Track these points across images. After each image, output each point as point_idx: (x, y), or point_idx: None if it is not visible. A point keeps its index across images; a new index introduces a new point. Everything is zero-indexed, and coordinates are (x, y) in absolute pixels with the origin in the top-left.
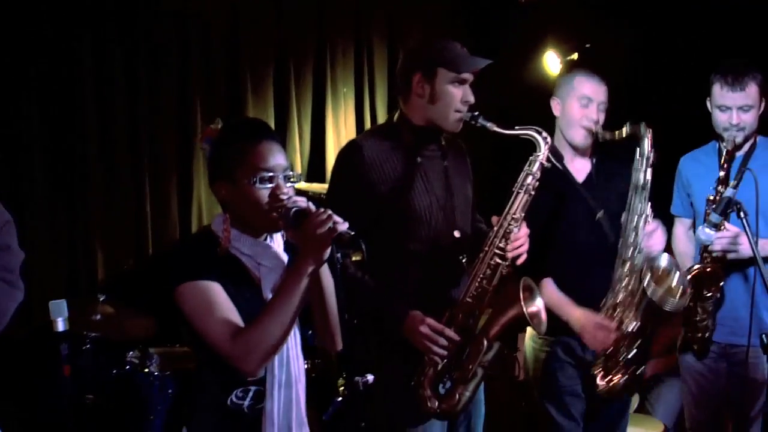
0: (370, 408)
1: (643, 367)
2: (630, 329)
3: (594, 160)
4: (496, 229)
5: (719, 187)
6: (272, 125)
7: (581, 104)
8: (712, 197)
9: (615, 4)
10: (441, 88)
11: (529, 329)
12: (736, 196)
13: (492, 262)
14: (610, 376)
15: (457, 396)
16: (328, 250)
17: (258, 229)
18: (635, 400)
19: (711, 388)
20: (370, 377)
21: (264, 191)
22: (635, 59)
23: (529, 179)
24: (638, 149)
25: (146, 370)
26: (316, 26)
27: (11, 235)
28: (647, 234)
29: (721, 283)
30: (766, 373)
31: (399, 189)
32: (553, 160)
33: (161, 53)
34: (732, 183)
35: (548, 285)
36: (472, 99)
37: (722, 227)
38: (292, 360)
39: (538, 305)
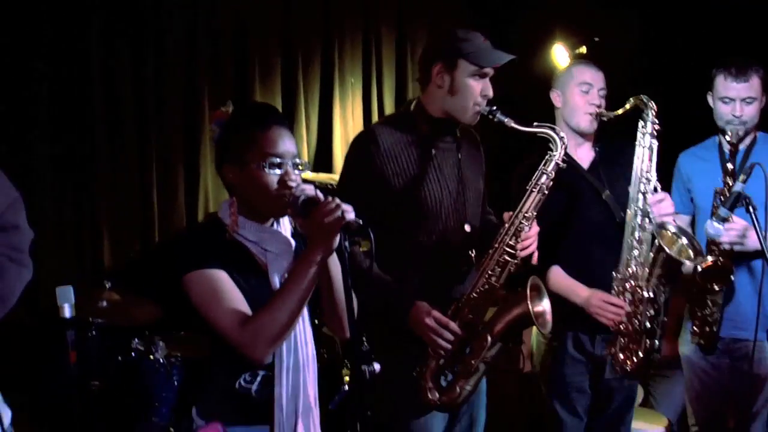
0: (375, 397)
1: (658, 342)
2: (643, 298)
3: (597, 148)
4: (507, 226)
5: (728, 179)
6: None
7: (582, 90)
8: (719, 189)
9: None
10: (461, 80)
11: None
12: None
13: (501, 260)
14: (626, 354)
15: (458, 389)
16: (337, 239)
17: (264, 214)
18: (640, 395)
19: (714, 384)
20: (377, 366)
21: (273, 176)
22: (643, 52)
23: (544, 178)
24: (641, 120)
25: (152, 356)
26: (324, 16)
27: (20, 213)
28: (656, 201)
29: (732, 276)
30: None
31: (412, 180)
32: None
33: (169, 41)
34: (741, 177)
35: (556, 271)
36: (491, 93)
37: (730, 220)
38: (300, 346)
39: (544, 306)
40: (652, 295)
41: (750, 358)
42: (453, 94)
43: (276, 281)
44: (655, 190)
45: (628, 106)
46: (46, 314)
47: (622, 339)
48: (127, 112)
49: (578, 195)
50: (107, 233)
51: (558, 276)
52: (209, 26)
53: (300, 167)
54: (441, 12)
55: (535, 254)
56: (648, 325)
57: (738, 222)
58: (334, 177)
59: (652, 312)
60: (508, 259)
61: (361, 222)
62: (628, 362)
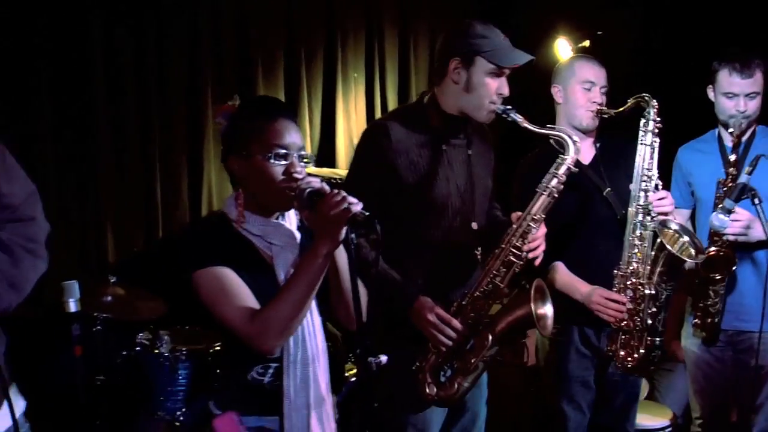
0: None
1: (660, 339)
2: (644, 295)
3: (598, 144)
4: (515, 227)
5: (731, 170)
6: None
7: (584, 88)
8: (722, 180)
9: None
10: (478, 78)
11: None
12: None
13: (507, 260)
14: (628, 350)
15: (456, 386)
16: (344, 231)
17: (269, 206)
18: (645, 388)
19: (717, 377)
20: (383, 357)
21: (278, 168)
22: (646, 47)
23: (554, 182)
24: (642, 118)
25: (156, 351)
26: (327, 11)
27: (36, 205)
28: (657, 199)
29: (734, 267)
30: None
31: (421, 175)
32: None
33: (172, 36)
34: (747, 169)
35: (559, 268)
36: (507, 91)
37: (734, 212)
38: (308, 339)
39: (547, 309)
40: (653, 292)
41: (755, 350)
42: (468, 91)
43: (282, 275)
44: (656, 188)
45: (629, 103)
46: (51, 309)
47: (623, 336)
48: (130, 108)
49: (579, 192)
50: (111, 228)
51: (560, 272)
52: (212, 21)
53: (306, 160)
54: (444, 6)
55: (540, 257)
56: (650, 322)
57: (742, 213)
58: (337, 172)
59: (653, 309)
60: (514, 260)
61: (367, 214)
62: (630, 359)
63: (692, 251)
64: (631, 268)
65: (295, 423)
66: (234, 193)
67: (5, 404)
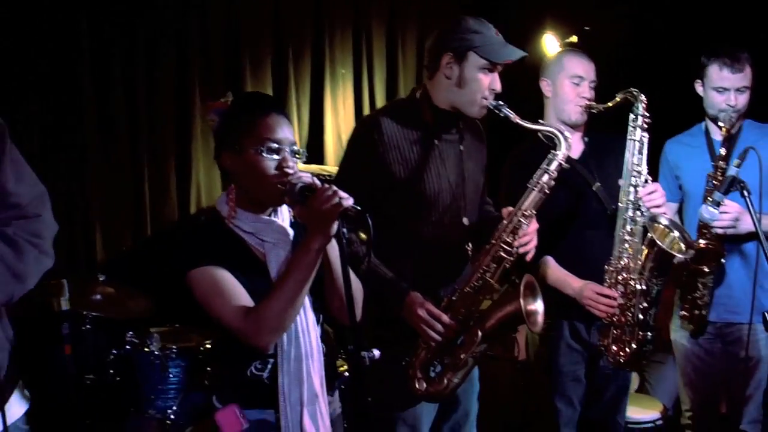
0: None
1: (651, 333)
2: (636, 290)
3: (586, 139)
4: (505, 223)
5: (720, 164)
6: None
7: (573, 83)
8: (711, 173)
9: None
10: (470, 73)
11: None
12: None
13: (497, 256)
14: (619, 345)
15: (446, 381)
16: (335, 226)
17: (262, 201)
18: (635, 381)
19: (707, 369)
20: (376, 352)
21: (270, 162)
22: (633, 42)
23: (546, 177)
24: (631, 113)
25: (146, 349)
26: (314, 8)
27: (44, 205)
28: (647, 193)
29: (722, 260)
30: (762, 351)
31: (412, 170)
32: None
33: (160, 35)
34: (736, 162)
35: (549, 262)
36: (499, 87)
37: (723, 204)
38: (302, 335)
39: (537, 305)
40: (644, 287)
41: (744, 342)
42: (461, 87)
43: (274, 271)
44: (646, 182)
45: (618, 98)
46: (40, 308)
47: (614, 330)
48: (118, 105)
49: (569, 186)
50: (100, 227)
51: (551, 267)
52: (200, 19)
53: (297, 155)
54: (432, 2)
55: (532, 252)
56: (641, 317)
57: (731, 206)
58: (325, 168)
59: (645, 304)
60: (504, 255)
61: (358, 209)
62: (621, 353)
63: (682, 246)
64: (621, 263)
65: (290, 418)
66: (226, 190)
67: (13, 396)
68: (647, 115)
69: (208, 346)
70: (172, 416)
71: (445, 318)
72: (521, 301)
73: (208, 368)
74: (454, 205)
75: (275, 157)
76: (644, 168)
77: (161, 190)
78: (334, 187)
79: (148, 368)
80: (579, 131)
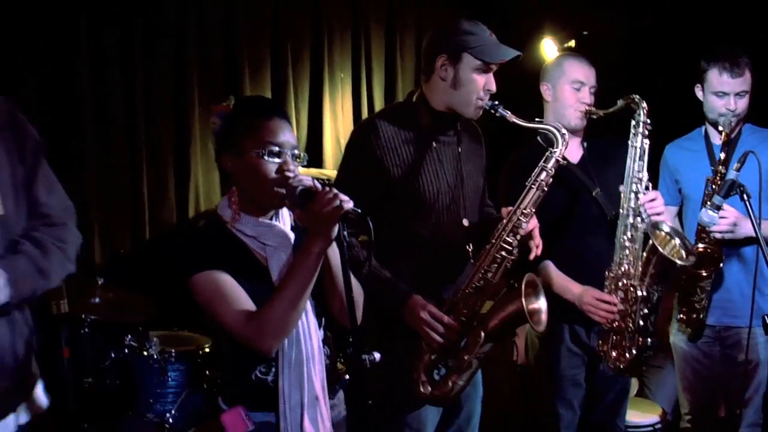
0: (373, 387)
1: (651, 339)
2: (636, 297)
3: (586, 144)
4: (505, 222)
5: (720, 168)
6: None
7: (574, 88)
8: (711, 177)
9: None
10: (465, 74)
11: None
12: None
13: (498, 255)
14: (619, 351)
15: (451, 384)
16: (336, 229)
17: (263, 204)
18: (634, 385)
19: (706, 373)
20: (377, 355)
21: (271, 165)
22: (631, 46)
23: (543, 175)
24: (633, 119)
25: (145, 353)
26: (313, 11)
27: (71, 218)
28: (648, 200)
29: (721, 264)
30: (761, 354)
31: (411, 172)
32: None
33: (158, 36)
34: (735, 165)
35: (548, 267)
36: (494, 87)
37: (722, 209)
38: (303, 338)
39: (540, 303)
40: (645, 293)
41: (743, 346)
42: (456, 88)
43: (276, 275)
44: (647, 188)
45: (619, 104)
46: (39, 311)
47: (614, 336)
48: (116, 108)
49: (569, 191)
50: (98, 230)
51: (550, 272)
52: (199, 21)
53: (298, 159)
54: (430, 6)
55: (539, 248)
56: (641, 323)
57: (730, 211)
58: (324, 172)
59: (645, 311)
60: (505, 255)
61: (359, 211)
62: (621, 359)
63: (683, 253)
64: (622, 269)
65: (290, 421)
66: (228, 193)
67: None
68: (648, 121)
69: (207, 349)
70: (170, 420)
71: (448, 319)
72: (523, 300)
73: (207, 372)
74: (454, 206)
75: (276, 160)
76: (645, 175)
77: (160, 193)
78: (335, 190)
79: (147, 372)
80: (578, 136)
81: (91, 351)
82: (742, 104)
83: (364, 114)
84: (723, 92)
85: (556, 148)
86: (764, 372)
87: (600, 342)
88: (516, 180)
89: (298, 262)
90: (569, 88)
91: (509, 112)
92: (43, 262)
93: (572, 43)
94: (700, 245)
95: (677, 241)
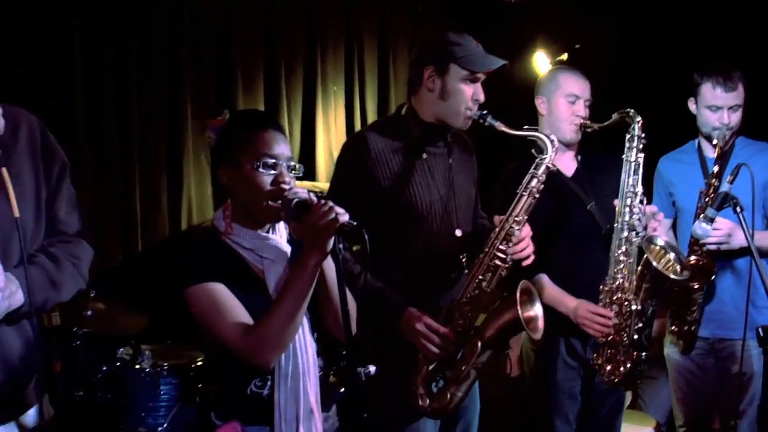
0: (371, 400)
1: (646, 353)
2: (631, 311)
3: (580, 157)
4: (497, 230)
5: (713, 181)
6: None
7: (569, 101)
8: (704, 190)
9: (604, 5)
10: (452, 84)
11: None
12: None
13: (492, 264)
14: (614, 364)
15: (449, 396)
16: (332, 241)
17: (258, 218)
18: (628, 396)
19: (700, 385)
20: (372, 368)
21: (267, 177)
22: (622, 59)
23: (534, 182)
24: (628, 133)
25: (138, 366)
26: (306, 24)
27: (87, 236)
28: (647, 215)
29: (713, 277)
30: (754, 366)
31: (402, 184)
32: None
33: (152, 49)
34: (729, 178)
35: (543, 280)
36: (482, 97)
37: (715, 221)
38: (299, 352)
39: (536, 311)
40: (639, 307)
41: (736, 358)
42: (444, 99)
43: (273, 288)
44: (641, 202)
45: (614, 118)
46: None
47: (609, 350)
48: (109, 122)
49: (563, 204)
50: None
51: (545, 285)
52: (192, 34)
53: (294, 170)
54: (423, 19)
55: (530, 257)
56: (636, 337)
57: (723, 223)
58: (317, 185)
59: (639, 325)
60: (499, 263)
61: (354, 224)
62: (616, 373)
63: (678, 268)
64: (616, 283)
65: None
66: (223, 205)
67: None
68: (643, 136)
69: (200, 363)
70: None
71: (444, 330)
72: (518, 308)
73: (200, 385)
74: (446, 217)
75: (272, 172)
76: (640, 189)
77: (152, 206)
78: (331, 203)
79: (139, 385)
80: (572, 149)
81: (82, 364)
82: (735, 118)
83: (357, 127)
84: (716, 106)
85: (546, 154)
86: (758, 384)
87: (595, 355)
88: (510, 191)
89: (295, 275)
90: (564, 102)
91: (498, 121)
92: (57, 275)
93: (565, 57)
94: (693, 257)
95: (672, 255)
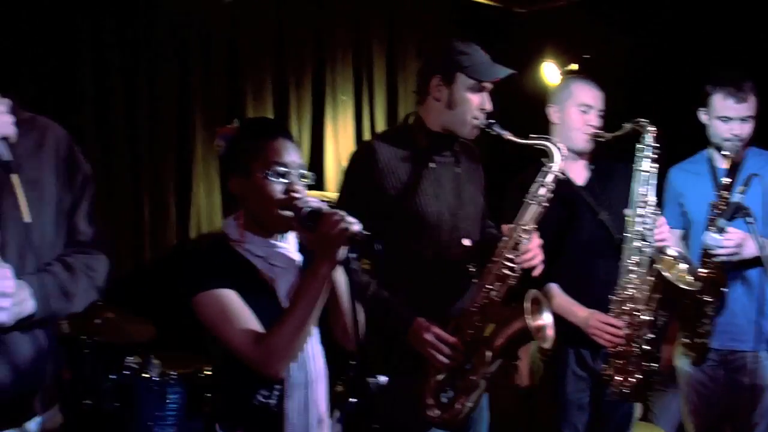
0: (380, 410)
1: (656, 365)
2: (642, 321)
3: (593, 166)
4: (506, 239)
5: (723, 192)
6: None
7: (581, 111)
8: (714, 202)
9: (614, 16)
10: (459, 93)
11: None
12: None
13: (500, 273)
14: (624, 376)
15: (459, 406)
16: (343, 251)
17: (269, 226)
18: (638, 408)
19: (711, 397)
20: (381, 378)
21: (278, 186)
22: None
23: (542, 190)
24: (639, 144)
25: (146, 375)
26: (315, 35)
27: (104, 249)
28: (658, 226)
29: (724, 290)
30: (766, 378)
31: (410, 194)
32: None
33: (161, 60)
34: (740, 188)
35: (553, 290)
36: (489, 107)
37: (726, 231)
38: (309, 360)
39: (545, 319)
40: (651, 318)
41: (748, 370)
42: (451, 108)
43: (283, 297)
44: (655, 213)
45: (626, 128)
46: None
47: (619, 361)
48: (118, 131)
49: (574, 213)
50: None
51: (556, 295)
52: (201, 45)
53: (305, 178)
54: (431, 29)
55: (539, 267)
56: (646, 348)
57: (734, 233)
58: (326, 195)
59: (650, 335)
60: (507, 272)
61: (366, 234)
62: (626, 384)
63: (689, 278)
64: (627, 293)
65: None
66: (235, 214)
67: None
68: (656, 145)
69: (208, 372)
70: None
71: (453, 340)
72: (527, 317)
73: (208, 395)
74: (455, 227)
75: (283, 180)
76: (652, 199)
77: (161, 215)
78: (342, 212)
79: (147, 394)
80: (584, 158)
81: (90, 372)
82: (746, 129)
83: (366, 136)
84: (727, 117)
85: (553, 163)
86: None
87: (604, 366)
88: (520, 200)
89: (306, 285)
90: (576, 111)
91: (505, 131)
92: (70, 285)
93: (574, 67)
94: (704, 270)
95: (683, 265)
